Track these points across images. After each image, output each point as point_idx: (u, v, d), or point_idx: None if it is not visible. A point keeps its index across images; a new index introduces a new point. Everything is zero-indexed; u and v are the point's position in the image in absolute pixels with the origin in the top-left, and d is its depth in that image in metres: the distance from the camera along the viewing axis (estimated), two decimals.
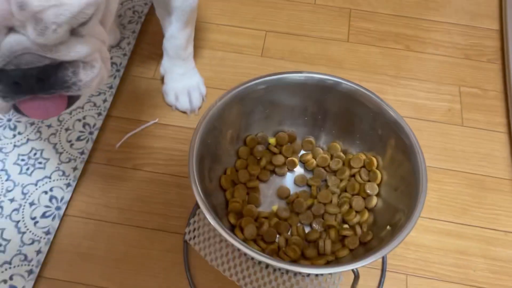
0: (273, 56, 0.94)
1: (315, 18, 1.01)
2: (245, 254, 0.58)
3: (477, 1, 1.06)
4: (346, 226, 0.62)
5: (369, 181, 0.64)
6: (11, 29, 0.38)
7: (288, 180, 0.68)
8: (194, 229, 0.64)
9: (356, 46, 0.96)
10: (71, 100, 0.48)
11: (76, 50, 0.42)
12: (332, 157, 0.68)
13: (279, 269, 0.59)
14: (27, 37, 0.39)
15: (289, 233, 0.62)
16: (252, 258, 0.58)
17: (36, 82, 0.42)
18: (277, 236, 0.62)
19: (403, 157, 0.59)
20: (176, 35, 0.75)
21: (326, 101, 0.65)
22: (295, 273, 0.59)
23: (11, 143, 0.78)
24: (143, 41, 0.94)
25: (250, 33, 0.97)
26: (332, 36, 0.98)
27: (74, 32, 0.42)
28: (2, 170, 0.75)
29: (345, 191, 0.65)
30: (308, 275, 0.59)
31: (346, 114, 0.65)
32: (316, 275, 0.59)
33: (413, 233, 0.72)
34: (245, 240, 0.59)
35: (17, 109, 0.46)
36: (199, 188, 0.54)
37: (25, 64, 0.41)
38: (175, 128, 0.83)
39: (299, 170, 0.69)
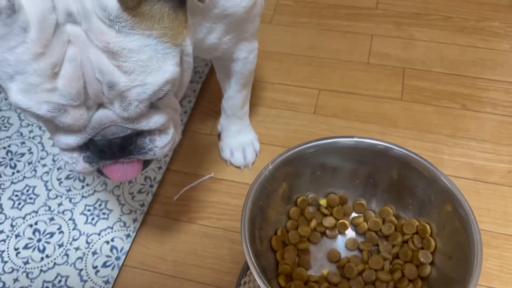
0: (326, 114, 0.96)
1: (368, 76, 1.02)
2: None
3: None
4: None
5: (422, 248, 0.63)
6: (100, 105, 0.44)
7: (339, 243, 0.68)
8: None
9: (410, 105, 0.96)
10: (146, 162, 0.53)
11: (154, 121, 0.48)
12: (384, 221, 0.67)
13: None
14: (114, 111, 0.45)
15: None
16: None
17: (118, 149, 0.48)
18: None
19: (458, 225, 0.58)
20: (234, 96, 0.80)
21: (378, 165, 0.65)
22: None
23: (79, 194, 0.84)
24: (202, 99, 1.00)
25: (303, 92, 1.00)
26: (386, 95, 0.99)
27: (153, 105, 0.47)
28: (70, 219, 0.81)
29: (397, 257, 0.64)
30: None
31: (398, 178, 0.65)
32: None
33: None
34: None
35: (100, 172, 0.52)
36: (250, 251, 0.56)
37: (111, 135, 0.47)
38: (229, 182, 0.87)
39: (350, 233, 0.69)
